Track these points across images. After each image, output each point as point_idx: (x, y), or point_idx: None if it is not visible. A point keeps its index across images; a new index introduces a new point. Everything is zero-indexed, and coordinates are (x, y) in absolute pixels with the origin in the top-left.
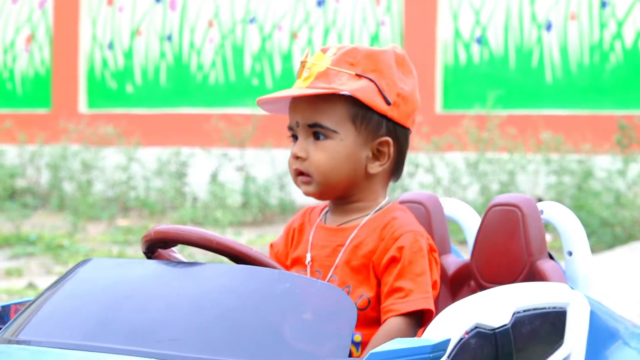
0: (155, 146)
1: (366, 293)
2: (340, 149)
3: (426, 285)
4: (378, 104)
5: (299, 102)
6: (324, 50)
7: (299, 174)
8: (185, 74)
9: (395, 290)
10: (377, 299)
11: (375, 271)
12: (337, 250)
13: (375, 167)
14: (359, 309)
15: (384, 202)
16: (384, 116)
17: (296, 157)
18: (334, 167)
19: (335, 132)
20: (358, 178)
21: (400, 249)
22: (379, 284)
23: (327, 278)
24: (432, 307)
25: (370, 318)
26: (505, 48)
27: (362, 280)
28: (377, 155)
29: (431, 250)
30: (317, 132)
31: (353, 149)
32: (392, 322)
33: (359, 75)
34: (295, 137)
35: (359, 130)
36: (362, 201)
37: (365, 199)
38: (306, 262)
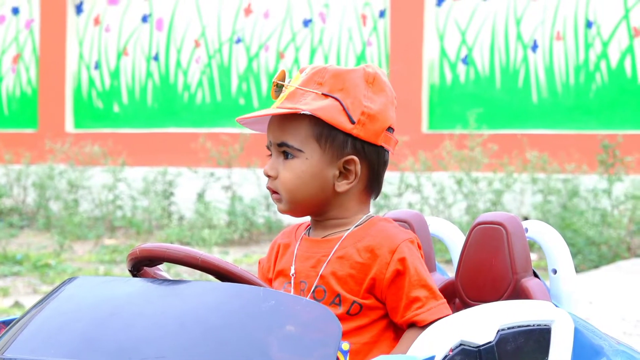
0: (141, 166)
1: (357, 300)
2: (305, 167)
3: (436, 290)
4: (341, 122)
5: (271, 122)
6: (301, 71)
7: (272, 192)
8: (172, 94)
9: (412, 301)
10: (370, 307)
11: (373, 286)
12: (321, 261)
13: (342, 186)
14: (352, 315)
15: (365, 217)
16: (349, 135)
17: (268, 176)
18: (299, 185)
19: (300, 151)
20: (327, 196)
21: (402, 260)
22: (371, 295)
23: (313, 288)
24: (451, 312)
25: (360, 325)
26: (491, 68)
27: (349, 289)
28: (344, 173)
29: (418, 248)
30: (285, 152)
31: (319, 168)
32: (415, 333)
33: (325, 95)
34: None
35: (323, 149)
36: (339, 218)
37: (342, 215)
38: (290, 274)
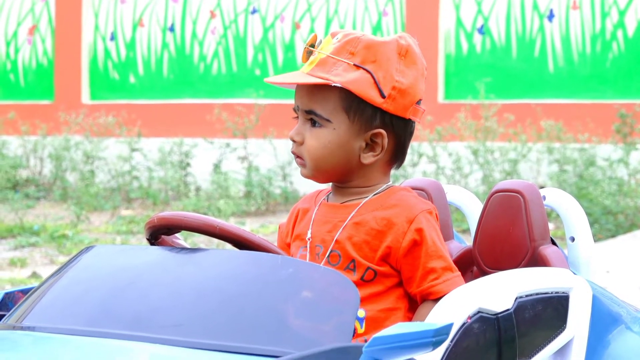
0: (157, 137)
1: (371, 266)
2: (332, 137)
3: (451, 262)
4: (372, 96)
5: (300, 87)
6: (333, 35)
7: (296, 156)
8: (188, 65)
9: (428, 272)
10: (384, 274)
11: (389, 254)
12: (337, 226)
13: (368, 158)
14: (366, 281)
15: (384, 186)
16: (378, 108)
17: (292, 140)
18: (325, 155)
19: (328, 121)
20: (352, 166)
21: (419, 231)
22: (386, 262)
23: (328, 253)
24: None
25: (375, 292)
26: (507, 38)
27: (364, 255)
28: (371, 145)
29: (436, 220)
30: (313, 119)
31: (346, 139)
32: (429, 306)
33: (357, 66)
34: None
35: (352, 120)
36: (361, 186)
37: (364, 184)
38: (306, 238)
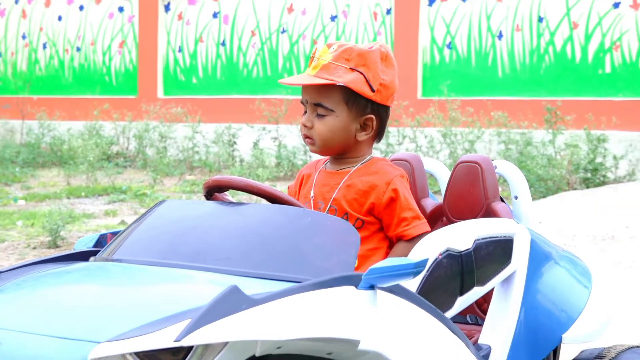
0: (213, 123)
1: (360, 217)
2: (336, 123)
3: (418, 212)
4: (365, 91)
5: (308, 85)
6: (329, 46)
7: (306, 137)
8: (235, 70)
9: (401, 220)
10: (369, 222)
11: (373, 208)
12: (334, 188)
13: (362, 136)
14: (356, 228)
15: (368, 157)
16: (369, 100)
17: (304, 126)
18: (331, 136)
19: (332, 111)
20: (349, 143)
21: (395, 190)
22: (370, 214)
23: (328, 207)
24: (429, 229)
25: (363, 236)
26: (468, 51)
27: (355, 209)
28: (363, 127)
29: (407, 181)
30: (319, 109)
31: (345, 124)
32: (402, 245)
33: (352, 69)
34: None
35: (350, 109)
36: (353, 157)
37: (355, 155)
38: (310, 197)
